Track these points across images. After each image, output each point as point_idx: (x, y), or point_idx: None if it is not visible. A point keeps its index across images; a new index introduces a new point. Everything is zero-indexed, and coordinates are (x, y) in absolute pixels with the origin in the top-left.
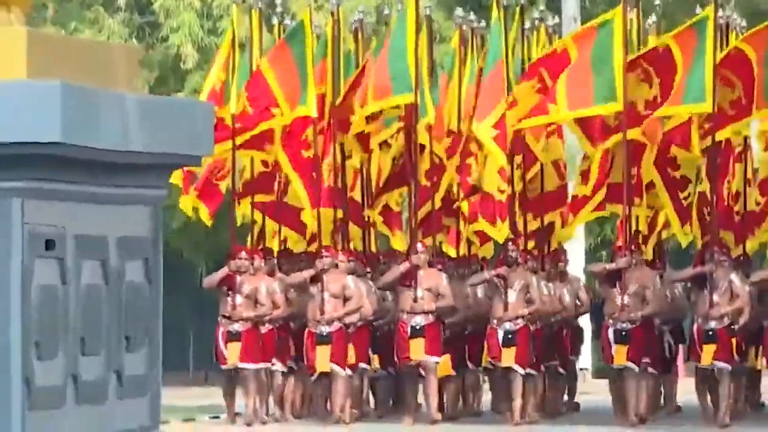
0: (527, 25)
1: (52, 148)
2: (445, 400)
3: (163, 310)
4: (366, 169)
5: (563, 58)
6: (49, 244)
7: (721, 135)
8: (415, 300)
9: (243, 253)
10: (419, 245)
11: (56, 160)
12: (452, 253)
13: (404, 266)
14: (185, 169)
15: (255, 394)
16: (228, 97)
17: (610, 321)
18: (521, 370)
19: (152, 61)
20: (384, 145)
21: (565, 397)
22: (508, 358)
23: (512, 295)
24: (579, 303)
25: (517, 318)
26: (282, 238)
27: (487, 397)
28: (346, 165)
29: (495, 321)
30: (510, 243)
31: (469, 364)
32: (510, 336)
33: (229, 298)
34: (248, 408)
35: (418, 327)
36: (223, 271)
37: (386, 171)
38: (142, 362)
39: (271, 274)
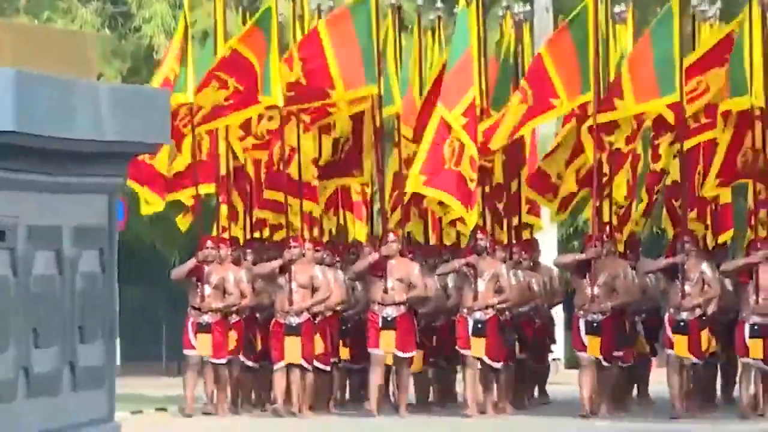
0: (499, 12)
1: (5, 137)
2: (413, 391)
3: (137, 302)
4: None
5: (539, 67)
6: (0, 235)
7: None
8: (385, 291)
9: (209, 243)
10: (391, 235)
11: (9, 149)
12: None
13: (373, 256)
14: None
15: (223, 387)
16: (182, 86)
17: (581, 312)
18: (492, 363)
19: (125, 52)
20: (323, 128)
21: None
22: (478, 348)
23: (482, 285)
24: (552, 293)
25: (487, 307)
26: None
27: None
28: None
29: (465, 310)
30: (479, 232)
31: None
32: (480, 326)
33: (198, 289)
34: (218, 401)
35: (389, 318)
36: (191, 262)
37: (327, 154)
38: (98, 353)
39: (236, 263)
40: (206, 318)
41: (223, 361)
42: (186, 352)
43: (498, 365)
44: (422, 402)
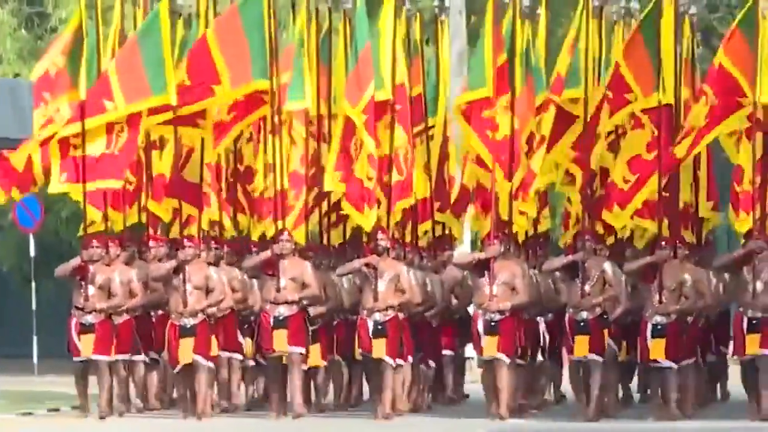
0: (407, 5)
1: None
2: (313, 391)
3: (54, 299)
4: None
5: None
6: None
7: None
8: (278, 290)
9: (95, 242)
10: (285, 233)
11: None
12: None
13: (265, 254)
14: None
15: (109, 386)
16: (76, 82)
17: (480, 311)
18: (392, 362)
19: (41, 52)
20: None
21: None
22: (379, 348)
23: (382, 285)
24: (464, 293)
25: (387, 308)
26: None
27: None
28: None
29: (365, 311)
30: (379, 232)
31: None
32: (380, 327)
33: (81, 289)
34: (102, 401)
35: (281, 318)
36: (76, 261)
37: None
38: None
39: (129, 262)
40: (89, 318)
41: (105, 359)
42: (75, 359)
43: (395, 362)
44: (323, 401)
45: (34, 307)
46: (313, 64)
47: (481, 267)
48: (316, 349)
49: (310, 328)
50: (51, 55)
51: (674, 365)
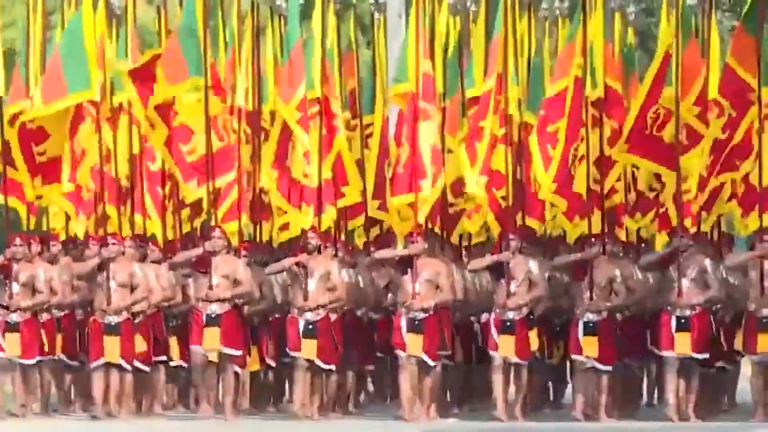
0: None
1: None
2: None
3: None
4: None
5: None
6: None
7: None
8: (210, 287)
9: (18, 240)
10: (216, 230)
11: None
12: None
13: (196, 251)
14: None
15: (35, 387)
16: None
17: (403, 309)
18: (323, 365)
19: None
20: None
21: None
22: (310, 349)
23: (312, 284)
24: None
25: (317, 307)
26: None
27: None
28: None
29: (296, 310)
30: (310, 230)
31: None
32: (311, 326)
33: (6, 287)
34: (27, 402)
35: (213, 315)
36: None
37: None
38: None
39: (52, 260)
40: (14, 317)
41: (32, 361)
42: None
43: (327, 366)
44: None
45: None
46: (248, 61)
47: (405, 264)
48: (254, 353)
49: (248, 328)
50: None
51: (607, 368)
